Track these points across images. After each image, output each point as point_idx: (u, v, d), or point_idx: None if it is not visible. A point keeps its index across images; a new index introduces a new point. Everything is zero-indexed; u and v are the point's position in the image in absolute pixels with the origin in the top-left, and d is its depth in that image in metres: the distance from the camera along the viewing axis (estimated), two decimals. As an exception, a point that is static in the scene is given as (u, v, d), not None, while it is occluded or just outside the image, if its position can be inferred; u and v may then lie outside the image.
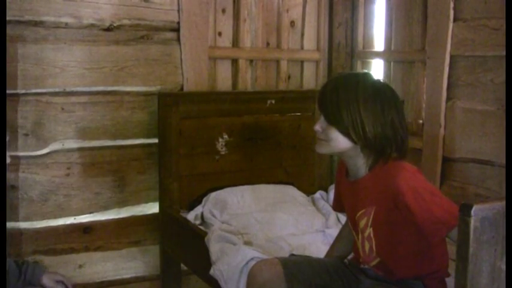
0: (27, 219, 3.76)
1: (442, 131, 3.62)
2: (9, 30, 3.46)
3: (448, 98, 3.60)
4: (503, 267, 1.94)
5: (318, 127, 2.48)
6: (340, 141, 2.42)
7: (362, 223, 2.51)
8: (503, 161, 3.23)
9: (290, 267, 2.59)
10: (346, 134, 2.39)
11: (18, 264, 2.81)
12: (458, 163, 3.54)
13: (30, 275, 2.79)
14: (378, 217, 2.44)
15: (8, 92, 3.50)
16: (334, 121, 2.41)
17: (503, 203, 1.95)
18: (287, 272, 2.56)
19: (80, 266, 3.92)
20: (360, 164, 2.48)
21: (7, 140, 3.53)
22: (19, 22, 3.60)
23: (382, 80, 2.62)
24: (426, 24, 3.78)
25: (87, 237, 3.95)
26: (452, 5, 3.53)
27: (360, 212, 2.51)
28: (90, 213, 3.94)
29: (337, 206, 2.87)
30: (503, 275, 1.94)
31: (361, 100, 2.38)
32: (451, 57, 3.58)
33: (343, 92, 2.41)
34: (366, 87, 2.43)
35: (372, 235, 2.49)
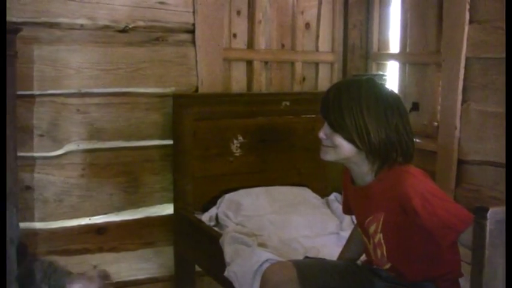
0: (42, 219, 3.77)
1: (457, 133, 3.60)
2: (25, 32, 3.47)
3: (463, 101, 3.58)
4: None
5: (322, 134, 2.47)
6: (345, 148, 2.41)
7: (372, 229, 2.51)
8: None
9: (303, 270, 2.58)
10: (350, 140, 2.39)
11: (44, 266, 2.81)
12: (473, 166, 3.52)
13: (53, 280, 2.79)
14: (387, 223, 2.44)
15: (23, 93, 3.55)
16: (338, 128, 2.41)
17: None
18: (300, 275, 2.55)
19: (95, 267, 3.93)
20: (365, 171, 2.47)
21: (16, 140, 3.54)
22: (35, 24, 3.62)
23: (385, 85, 2.62)
24: (441, 26, 3.76)
25: (102, 238, 3.96)
26: (468, 7, 3.51)
27: (369, 218, 2.51)
28: (105, 214, 3.96)
29: (347, 210, 2.87)
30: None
31: (365, 106, 2.37)
32: (466, 59, 3.56)
33: (346, 99, 2.41)
34: (369, 93, 2.42)
35: (382, 241, 2.49)
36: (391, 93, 2.50)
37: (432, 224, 2.23)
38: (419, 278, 2.47)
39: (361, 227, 2.62)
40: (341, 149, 2.42)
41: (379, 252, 2.51)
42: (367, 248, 2.61)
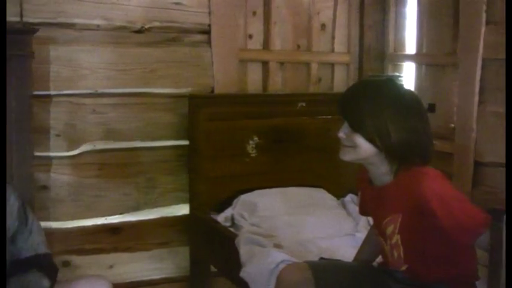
0: (57, 219, 3.78)
1: (473, 135, 3.58)
2: (41, 32, 3.47)
3: (480, 102, 3.56)
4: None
5: (341, 134, 2.47)
6: (364, 148, 2.41)
7: (389, 230, 2.50)
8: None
9: (319, 272, 2.58)
10: (370, 140, 2.39)
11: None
12: (490, 167, 3.50)
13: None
14: (404, 224, 2.43)
15: (40, 93, 3.57)
16: (358, 128, 2.41)
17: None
18: (316, 276, 2.55)
19: (110, 267, 3.94)
20: (384, 171, 2.47)
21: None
22: (51, 24, 3.63)
23: (405, 86, 2.62)
24: (458, 27, 3.75)
25: (117, 237, 3.97)
26: (484, 8, 3.50)
27: (387, 219, 2.50)
28: (120, 214, 3.96)
29: (363, 211, 2.86)
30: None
31: (385, 106, 2.38)
32: (483, 60, 3.54)
33: (366, 99, 2.42)
34: (389, 93, 2.44)
35: (399, 242, 2.48)
36: (411, 93, 2.51)
37: (449, 226, 2.23)
38: (435, 279, 2.46)
39: (378, 228, 2.61)
40: (360, 149, 2.42)
41: (395, 253, 2.51)
42: (384, 249, 2.60)
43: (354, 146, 2.43)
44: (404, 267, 2.51)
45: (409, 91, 2.53)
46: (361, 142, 2.41)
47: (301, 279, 2.55)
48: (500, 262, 1.82)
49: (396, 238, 2.47)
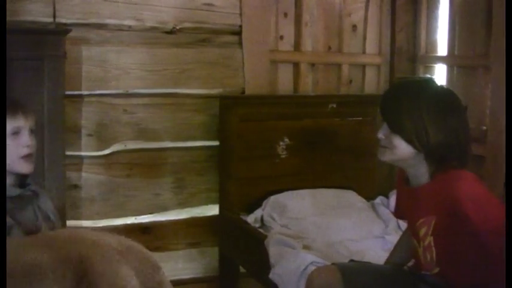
0: (88, 218, 3.81)
1: (504, 138, 3.55)
2: (74, 33, 3.51)
3: (513, 105, 3.53)
4: None
5: (381, 134, 2.46)
6: (403, 149, 2.40)
7: (422, 231, 2.48)
8: None
9: (348, 274, 2.57)
10: (409, 141, 2.37)
11: None
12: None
13: None
14: (438, 226, 2.41)
15: (72, 93, 3.59)
16: (398, 129, 2.39)
17: None
18: (345, 279, 2.54)
19: (140, 266, 3.95)
20: (421, 172, 2.45)
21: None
22: (83, 25, 3.67)
23: (445, 87, 2.60)
24: (490, 28, 3.72)
25: (147, 237, 3.98)
26: (518, 9, 3.47)
27: (420, 221, 2.48)
28: (150, 213, 3.98)
29: (398, 213, 2.84)
30: None
31: (425, 107, 2.36)
32: (516, 62, 3.51)
33: (406, 99, 2.40)
34: (429, 94, 2.42)
35: (432, 244, 2.46)
36: (451, 94, 2.48)
37: (483, 231, 2.20)
38: (468, 283, 2.44)
39: (411, 229, 2.59)
40: (398, 150, 2.40)
41: (428, 256, 2.49)
42: (417, 251, 2.58)
43: (392, 147, 2.42)
44: (436, 270, 2.49)
45: (449, 91, 2.51)
46: (400, 143, 2.39)
47: (331, 281, 2.55)
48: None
49: (429, 240, 2.46)
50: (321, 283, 2.57)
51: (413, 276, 2.62)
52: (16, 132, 2.38)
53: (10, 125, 2.36)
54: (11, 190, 2.37)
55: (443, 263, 2.46)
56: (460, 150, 2.39)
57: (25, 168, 2.44)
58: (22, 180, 2.47)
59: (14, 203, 2.38)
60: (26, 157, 2.41)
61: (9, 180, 2.40)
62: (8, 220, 2.30)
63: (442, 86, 2.54)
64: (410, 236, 2.64)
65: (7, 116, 2.36)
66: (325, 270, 2.65)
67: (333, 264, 2.73)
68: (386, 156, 2.48)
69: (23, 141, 2.39)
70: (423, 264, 2.55)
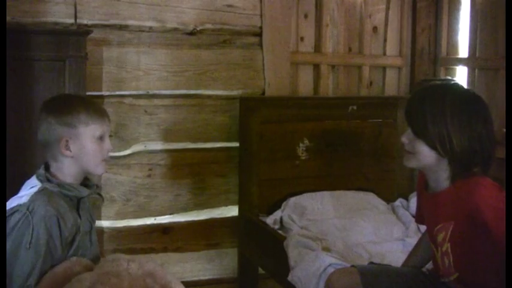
0: (109, 218, 3.83)
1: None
2: (95, 34, 3.53)
3: (534, 107, 3.51)
4: None
5: (404, 139, 2.44)
6: (426, 155, 2.37)
7: (440, 237, 2.47)
8: None
9: (368, 276, 2.56)
10: (433, 147, 2.36)
11: None
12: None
13: None
14: (455, 233, 2.40)
15: (92, 93, 3.61)
16: (421, 134, 2.37)
17: None
18: (365, 281, 2.54)
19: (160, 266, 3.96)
20: (443, 178, 2.42)
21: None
22: (104, 26, 3.69)
23: (471, 91, 2.58)
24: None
25: (167, 237, 4.00)
26: (540, 11, 3.45)
27: (439, 226, 2.47)
28: (170, 214, 3.99)
29: (419, 219, 2.82)
30: None
31: (449, 113, 2.33)
32: (537, 63, 3.49)
33: (430, 104, 2.37)
34: (454, 99, 2.38)
35: (449, 250, 2.45)
36: (478, 99, 2.44)
37: (502, 239, 2.19)
38: None
39: (430, 234, 2.58)
40: (421, 155, 2.38)
41: (446, 261, 2.47)
42: (435, 256, 2.57)
43: (416, 152, 2.41)
44: (454, 276, 2.48)
45: (475, 96, 2.45)
46: (423, 149, 2.37)
47: (350, 283, 2.55)
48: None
49: (446, 246, 2.44)
50: (340, 285, 2.57)
51: (433, 279, 2.61)
52: (102, 137, 2.43)
53: (98, 130, 2.42)
54: (82, 191, 2.42)
55: (461, 269, 2.44)
56: (484, 156, 2.37)
57: (102, 170, 2.52)
58: (84, 180, 2.52)
59: (82, 202, 2.45)
60: (105, 160, 2.48)
61: (77, 180, 2.44)
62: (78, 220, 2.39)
63: (468, 90, 2.53)
64: (429, 239, 2.63)
65: (95, 121, 2.43)
66: (344, 272, 2.66)
67: (352, 266, 2.73)
68: (410, 163, 2.46)
69: (107, 146, 2.47)
70: (441, 270, 2.53)
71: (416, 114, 2.40)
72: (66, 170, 2.40)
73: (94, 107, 2.47)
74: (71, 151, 2.35)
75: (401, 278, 2.64)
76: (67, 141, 2.34)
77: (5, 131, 2.46)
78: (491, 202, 2.24)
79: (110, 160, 3.74)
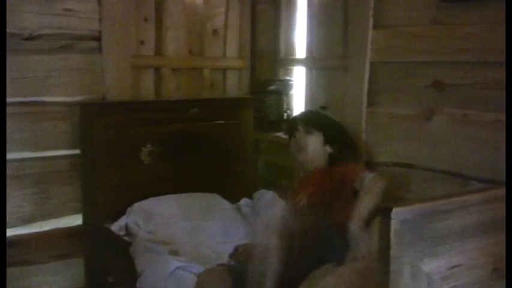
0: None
1: (363, 136, 3.66)
2: None
3: (369, 104, 3.64)
4: (424, 267, 1.97)
5: (298, 136, 3.46)
6: (316, 147, 3.43)
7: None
8: (426, 164, 3.31)
9: (235, 273, 2.80)
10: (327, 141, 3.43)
11: None
12: (382, 167, 3.58)
13: None
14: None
15: None
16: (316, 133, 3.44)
17: (424, 205, 1.99)
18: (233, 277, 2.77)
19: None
20: (320, 164, 3.43)
21: None
22: None
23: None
24: (347, 31, 3.82)
25: (11, 251, 3.83)
26: (371, 12, 3.58)
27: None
28: (13, 227, 3.85)
29: None
30: (424, 275, 1.97)
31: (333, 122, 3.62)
32: (372, 63, 3.61)
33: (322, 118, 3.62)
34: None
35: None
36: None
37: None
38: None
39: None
40: (311, 147, 3.43)
41: None
42: None
43: (306, 146, 3.44)
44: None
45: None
46: (312, 143, 3.44)
47: (219, 282, 2.77)
48: (388, 259, 1.86)
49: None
50: (210, 285, 2.79)
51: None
52: None
53: None
54: None
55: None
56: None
57: None
58: None
59: None
60: None
61: None
62: None
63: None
64: None
65: None
66: (213, 271, 2.88)
67: (220, 265, 2.93)
68: (301, 157, 3.45)
69: None
70: None
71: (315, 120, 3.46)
72: None
73: None
74: None
75: None
76: None
77: (5, 131, 2.31)
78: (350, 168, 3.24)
79: None
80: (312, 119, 3.51)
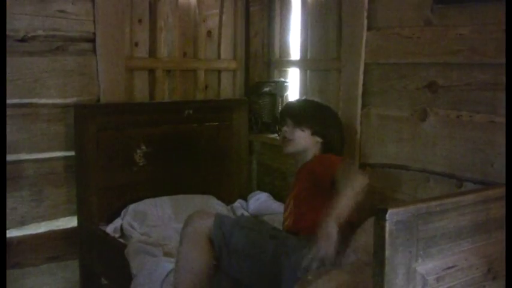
0: None
1: (357, 137, 3.67)
2: None
3: (363, 105, 3.65)
4: (419, 268, 1.98)
5: (285, 128, 3.44)
6: (305, 139, 3.39)
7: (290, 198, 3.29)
8: (418, 166, 3.31)
9: (222, 221, 2.92)
10: (315, 133, 3.40)
11: None
12: (376, 168, 3.59)
13: None
14: (300, 190, 3.21)
15: None
16: (303, 125, 3.38)
17: (418, 206, 1.99)
18: (216, 223, 2.90)
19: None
20: (309, 157, 3.38)
21: None
22: None
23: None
24: (341, 33, 3.82)
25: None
26: (365, 14, 3.59)
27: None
28: (7, 229, 3.85)
29: None
30: (419, 276, 1.98)
31: (324, 113, 3.54)
32: (366, 65, 3.62)
33: (312, 107, 3.52)
34: (325, 107, 3.57)
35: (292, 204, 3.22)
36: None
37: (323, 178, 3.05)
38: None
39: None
40: (299, 139, 3.41)
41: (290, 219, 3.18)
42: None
43: (294, 139, 3.39)
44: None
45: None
46: (300, 135, 3.39)
47: (202, 222, 2.92)
48: (383, 260, 1.87)
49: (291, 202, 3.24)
50: (194, 222, 2.92)
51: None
52: None
53: None
54: None
55: (297, 216, 3.12)
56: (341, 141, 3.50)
57: None
58: None
59: None
60: None
61: None
62: None
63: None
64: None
65: None
66: (203, 212, 3.03)
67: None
68: (289, 149, 3.43)
69: None
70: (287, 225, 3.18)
71: (303, 112, 3.41)
72: None
73: None
74: None
75: (252, 232, 2.92)
76: None
77: (5, 131, 2.30)
78: (321, 159, 3.22)
79: None
80: (301, 111, 3.46)
